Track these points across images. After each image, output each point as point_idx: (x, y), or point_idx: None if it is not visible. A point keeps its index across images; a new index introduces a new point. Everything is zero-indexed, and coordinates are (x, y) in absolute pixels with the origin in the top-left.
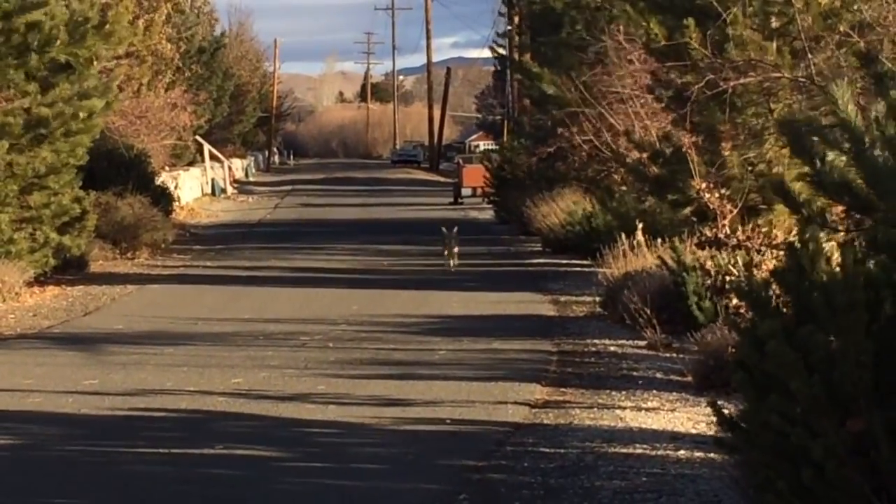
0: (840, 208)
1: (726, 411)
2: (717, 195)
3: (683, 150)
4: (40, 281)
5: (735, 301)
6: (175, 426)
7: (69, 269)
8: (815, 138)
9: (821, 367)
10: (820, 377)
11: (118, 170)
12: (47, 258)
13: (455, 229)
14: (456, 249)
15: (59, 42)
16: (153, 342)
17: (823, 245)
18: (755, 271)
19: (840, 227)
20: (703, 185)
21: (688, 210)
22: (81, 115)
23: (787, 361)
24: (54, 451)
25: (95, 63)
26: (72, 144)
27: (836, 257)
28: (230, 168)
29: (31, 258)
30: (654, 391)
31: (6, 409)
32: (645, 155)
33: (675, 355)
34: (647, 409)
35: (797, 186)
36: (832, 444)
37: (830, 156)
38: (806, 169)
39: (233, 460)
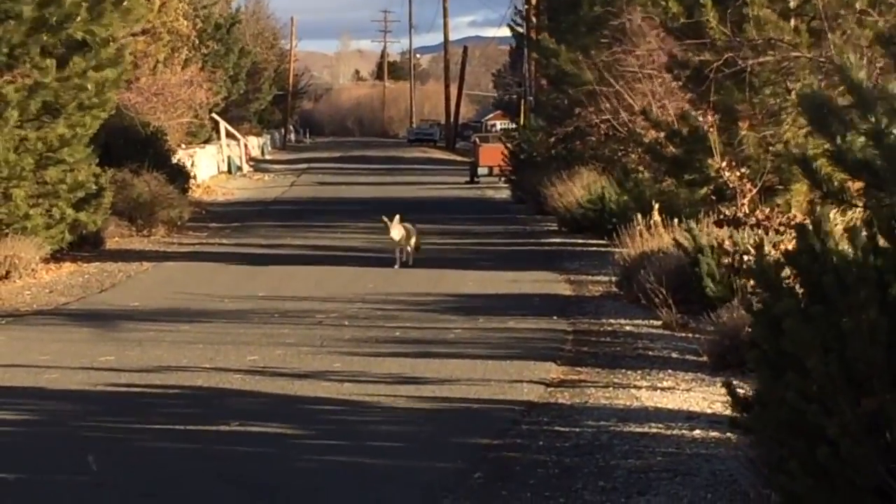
0: (859, 184)
1: (741, 391)
2: (737, 174)
3: (701, 129)
4: (56, 257)
5: (752, 281)
6: (191, 403)
7: (85, 246)
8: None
9: (835, 346)
10: (835, 356)
11: (135, 147)
12: (63, 234)
13: (397, 217)
14: (413, 242)
15: (78, 19)
16: (169, 319)
17: (836, 223)
18: (774, 251)
19: (858, 203)
20: (724, 164)
21: (705, 190)
22: (90, 86)
23: (803, 340)
24: (70, 427)
25: (112, 42)
26: (87, 117)
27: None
28: (246, 146)
29: (46, 234)
30: (670, 371)
31: (22, 384)
32: (662, 134)
33: (690, 335)
34: (663, 389)
35: (818, 163)
36: (847, 422)
37: (849, 134)
38: (826, 145)
39: (248, 437)
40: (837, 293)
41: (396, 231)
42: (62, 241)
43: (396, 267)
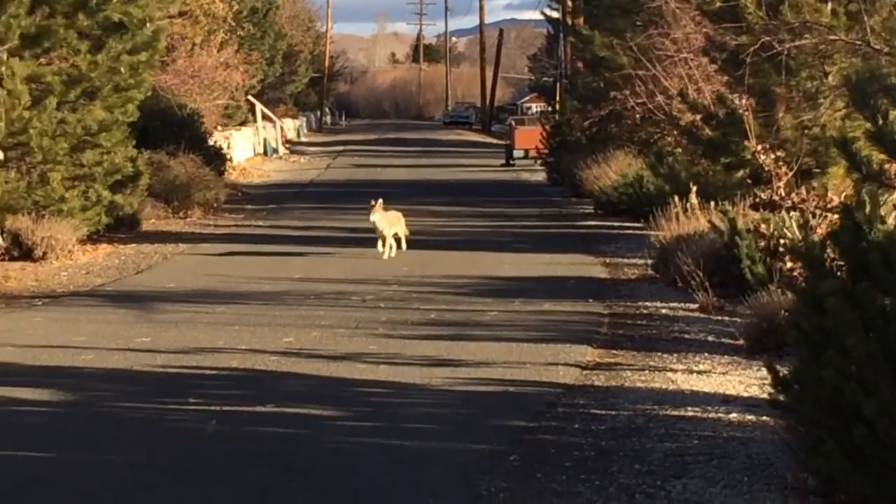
0: None
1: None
2: (772, 157)
3: (738, 112)
4: (93, 239)
5: (789, 263)
6: (226, 384)
7: (122, 228)
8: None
9: (876, 325)
10: (876, 335)
11: (171, 129)
12: (100, 216)
13: (380, 201)
14: (398, 232)
15: (115, 0)
16: (205, 300)
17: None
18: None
19: None
20: (759, 147)
21: (741, 173)
22: (123, 70)
23: (845, 319)
24: (106, 408)
25: (148, 24)
26: (122, 100)
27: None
28: (282, 128)
29: (83, 216)
30: (706, 354)
31: (59, 365)
32: (698, 117)
33: (727, 318)
34: (699, 372)
35: (857, 145)
36: (885, 402)
37: (893, 114)
38: (867, 126)
39: (284, 419)
40: (883, 271)
41: (376, 215)
42: (99, 223)
43: (385, 257)
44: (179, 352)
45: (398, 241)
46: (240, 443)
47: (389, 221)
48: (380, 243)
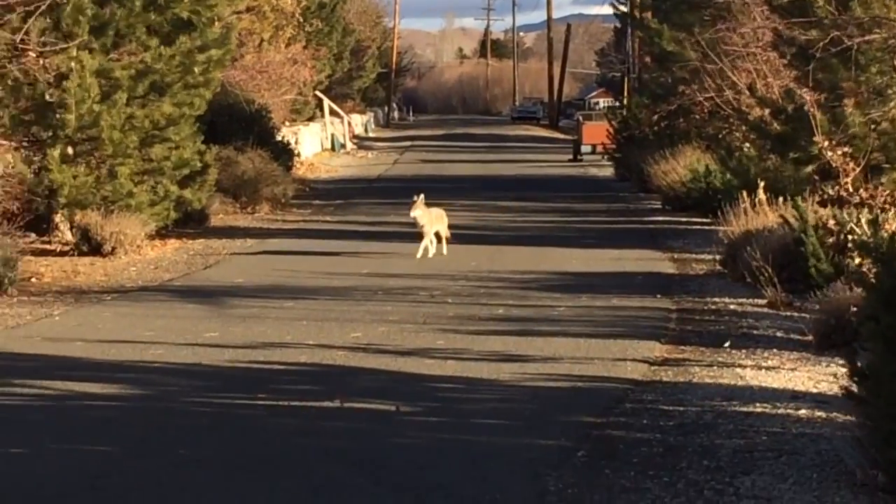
0: None
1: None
2: (840, 152)
3: (806, 107)
4: (161, 234)
5: (858, 259)
6: (295, 379)
7: (190, 223)
8: None
9: None
10: None
11: (239, 124)
12: (168, 211)
13: (421, 197)
14: (438, 231)
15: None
16: (273, 296)
17: None
18: (878, 230)
19: None
20: (827, 143)
21: (810, 168)
22: (196, 69)
23: None
24: (174, 403)
25: (217, 21)
26: (192, 96)
27: None
28: (350, 123)
29: (151, 211)
30: (775, 350)
31: (128, 360)
32: (767, 112)
33: (795, 314)
34: (768, 368)
35: None
36: None
37: None
38: None
39: (352, 414)
40: None
41: (417, 211)
42: (167, 218)
43: (418, 256)
44: (247, 347)
45: (439, 240)
46: (308, 438)
47: (431, 219)
48: (424, 243)
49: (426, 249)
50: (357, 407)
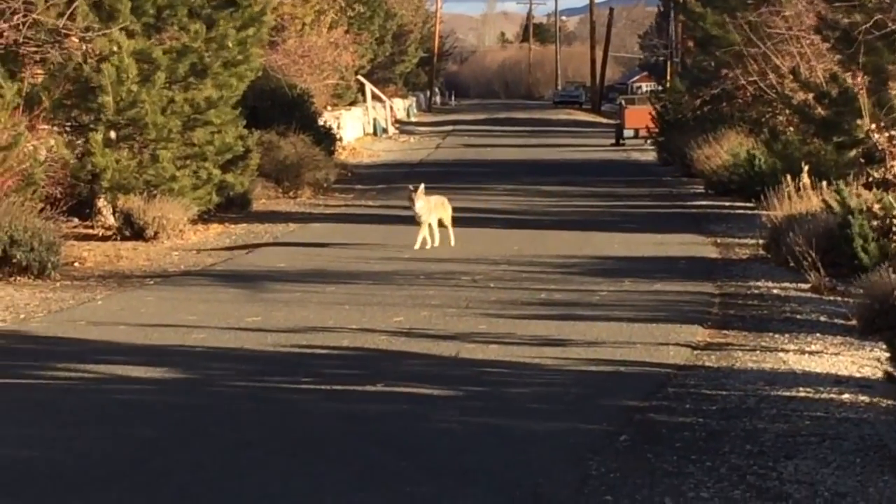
0: None
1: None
2: (885, 136)
3: (850, 91)
4: (204, 219)
5: None
6: (337, 363)
7: (232, 208)
8: None
9: None
10: None
11: (281, 109)
12: (210, 196)
13: (422, 186)
14: (424, 218)
15: None
16: (315, 280)
17: None
18: None
19: None
20: (872, 126)
21: (854, 152)
22: (231, 45)
23: None
24: (217, 387)
25: (258, 0)
26: (233, 77)
27: None
28: (392, 108)
29: (194, 195)
30: (818, 334)
31: (171, 344)
32: (811, 96)
33: (839, 298)
34: (811, 353)
35: None
36: None
37: None
38: None
39: (394, 398)
40: None
41: (420, 202)
42: (209, 203)
43: (416, 247)
44: (290, 331)
45: (443, 226)
46: (350, 422)
47: (430, 208)
48: (422, 233)
49: (424, 240)
50: (399, 391)
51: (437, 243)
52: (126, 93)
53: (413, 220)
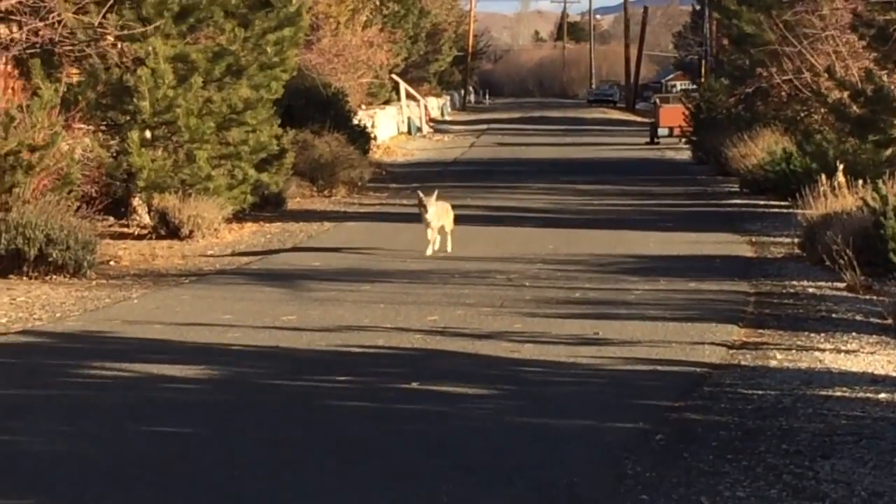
0: None
1: None
2: None
3: (886, 89)
4: (238, 218)
5: None
6: (371, 362)
7: (267, 206)
8: None
9: None
10: None
11: (316, 108)
12: (245, 195)
13: (435, 193)
14: (434, 223)
15: None
16: (350, 279)
17: None
18: None
19: None
20: None
21: (889, 150)
22: (269, 49)
23: None
24: (253, 386)
25: (294, 1)
26: (268, 78)
27: None
28: (426, 107)
29: (229, 194)
30: (854, 333)
31: (206, 343)
32: (846, 94)
33: (875, 298)
34: (847, 352)
35: None
36: None
37: None
38: None
39: (429, 397)
40: None
41: (433, 208)
42: (244, 202)
43: (428, 253)
44: (325, 330)
45: (442, 233)
46: (384, 421)
47: (439, 214)
48: (430, 239)
49: (432, 244)
50: (434, 390)
51: (437, 247)
52: (162, 97)
53: (424, 218)
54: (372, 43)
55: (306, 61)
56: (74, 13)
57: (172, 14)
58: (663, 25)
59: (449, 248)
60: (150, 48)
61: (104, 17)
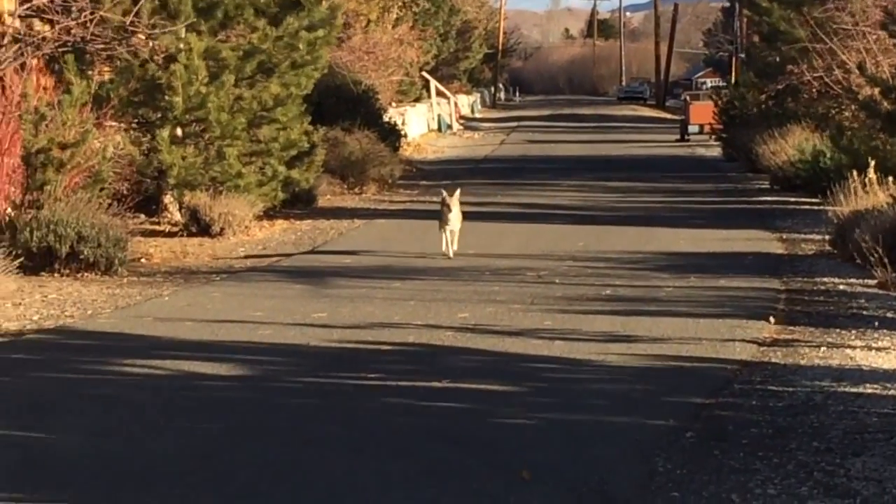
0: None
1: None
2: None
3: None
4: (269, 215)
5: None
6: (402, 359)
7: (297, 204)
8: None
9: None
10: None
11: (346, 105)
12: (276, 192)
13: (457, 192)
14: (455, 226)
15: None
16: (381, 276)
17: None
18: None
19: None
20: None
21: None
22: (301, 46)
23: None
24: (283, 383)
25: (324, 1)
26: (300, 76)
27: None
28: (456, 104)
29: (259, 192)
30: (885, 330)
31: (237, 340)
32: (877, 91)
33: None
34: (878, 349)
35: None
36: None
37: None
38: None
39: (459, 394)
40: None
41: (456, 206)
42: (275, 199)
43: (451, 255)
44: (356, 327)
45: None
46: (415, 417)
47: (459, 215)
48: (447, 239)
49: (451, 243)
50: (464, 387)
51: (455, 247)
52: (195, 93)
53: (481, 216)
54: (402, 40)
55: (337, 59)
56: (107, 10)
57: (199, 8)
58: (693, 22)
59: (455, 247)
60: (184, 43)
61: (135, 14)
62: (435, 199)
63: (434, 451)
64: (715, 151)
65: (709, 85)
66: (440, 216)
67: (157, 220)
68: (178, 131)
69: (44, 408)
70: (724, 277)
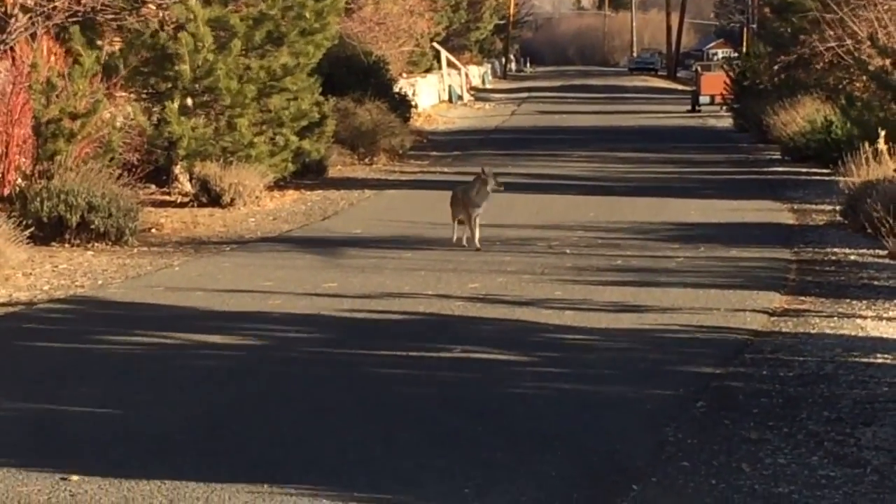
0: None
1: None
2: None
3: None
4: (280, 185)
5: None
6: (413, 329)
7: (308, 174)
8: None
9: None
10: None
11: (357, 76)
12: (287, 162)
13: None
14: (478, 214)
15: None
16: (391, 246)
17: None
18: None
19: None
20: None
21: None
22: (308, 14)
23: None
24: (294, 353)
25: None
26: (309, 45)
27: None
28: (467, 75)
29: (270, 162)
30: None
31: (248, 310)
32: (888, 62)
33: None
34: (889, 319)
35: None
36: None
37: None
38: None
39: (470, 363)
40: None
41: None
42: (285, 170)
43: (466, 245)
44: (366, 297)
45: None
46: (426, 387)
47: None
48: (472, 226)
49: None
50: (475, 357)
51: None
52: (203, 61)
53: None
54: (413, 11)
55: (347, 29)
56: None
57: None
58: None
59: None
60: (191, 12)
61: None
62: (446, 169)
63: (445, 421)
64: (726, 122)
65: (720, 56)
66: (465, 196)
67: (167, 191)
68: (189, 101)
69: (54, 377)
70: (735, 248)
